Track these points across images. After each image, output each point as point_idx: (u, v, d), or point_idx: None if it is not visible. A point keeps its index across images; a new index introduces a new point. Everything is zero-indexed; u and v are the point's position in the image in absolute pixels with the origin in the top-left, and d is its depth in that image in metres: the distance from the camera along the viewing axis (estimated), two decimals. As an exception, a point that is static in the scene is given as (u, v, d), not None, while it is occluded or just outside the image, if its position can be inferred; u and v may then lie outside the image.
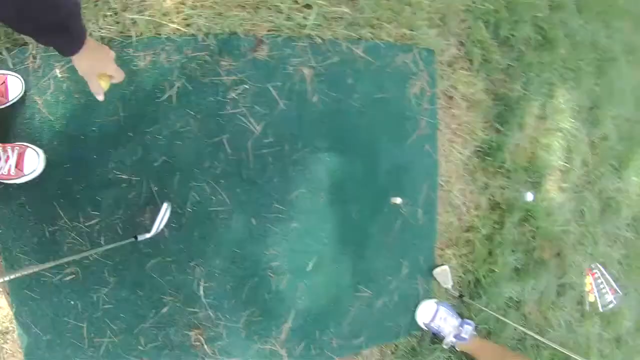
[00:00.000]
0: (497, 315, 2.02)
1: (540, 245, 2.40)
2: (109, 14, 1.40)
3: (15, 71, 1.36)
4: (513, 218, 2.14)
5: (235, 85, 1.53)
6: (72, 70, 1.20)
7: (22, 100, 1.36)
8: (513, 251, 2.20)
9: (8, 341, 1.46)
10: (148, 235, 1.36)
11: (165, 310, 1.48)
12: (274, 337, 1.64)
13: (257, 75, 1.56)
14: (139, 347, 1.47)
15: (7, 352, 1.47)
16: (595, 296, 2.82)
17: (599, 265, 2.81)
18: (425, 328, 1.93)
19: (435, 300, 1.94)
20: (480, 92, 1.99)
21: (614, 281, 2.85)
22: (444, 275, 1.95)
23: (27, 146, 1.36)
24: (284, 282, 1.62)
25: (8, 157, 1.32)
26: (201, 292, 1.51)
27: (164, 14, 1.45)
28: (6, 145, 1.34)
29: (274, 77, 1.58)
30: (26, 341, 1.43)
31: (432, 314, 1.87)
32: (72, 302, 1.43)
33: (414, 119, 1.79)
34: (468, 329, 1.85)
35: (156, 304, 1.48)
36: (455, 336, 1.85)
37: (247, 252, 1.56)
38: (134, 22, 1.42)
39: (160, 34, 1.45)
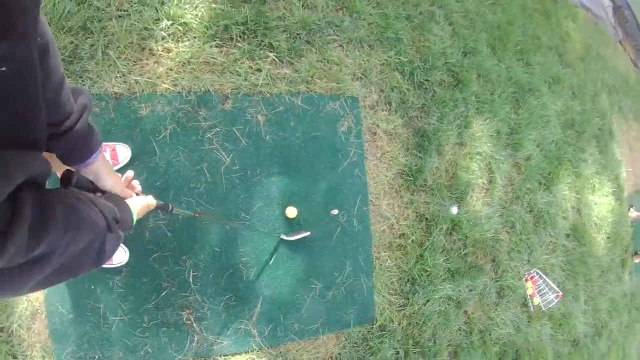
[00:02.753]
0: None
1: (473, 252, 3.42)
2: (118, 75, 2.43)
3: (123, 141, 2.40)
4: (440, 227, 3.16)
5: (210, 129, 2.58)
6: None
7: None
8: (445, 255, 3.20)
9: (36, 321, 2.24)
10: (287, 238, 2.59)
11: (163, 294, 2.43)
12: (247, 319, 2.58)
13: (225, 121, 2.61)
14: (143, 325, 2.39)
15: (34, 331, 2.23)
16: (538, 299, 3.85)
17: (538, 271, 3.85)
18: None
19: None
20: (399, 127, 3.08)
21: (554, 283, 3.89)
22: None
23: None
24: (252, 273, 2.60)
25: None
26: (190, 279, 2.48)
27: (158, 77, 2.50)
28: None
29: (237, 122, 2.64)
30: (53, 320, 2.23)
31: None
32: (92, 287, 2.36)
33: (344, 150, 2.86)
34: None
35: (157, 289, 2.42)
36: None
37: (223, 250, 2.55)
38: (137, 82, 2.46)
39: (156, 91, 2.49)
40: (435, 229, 3.14)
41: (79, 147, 1.12)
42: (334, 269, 2.82)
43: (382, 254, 2.97)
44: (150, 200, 1.42)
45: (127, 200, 1.29)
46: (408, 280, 3.06)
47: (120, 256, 2.34)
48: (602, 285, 4.71)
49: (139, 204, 1.34)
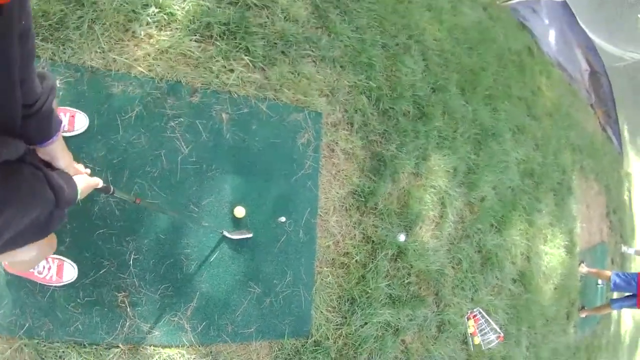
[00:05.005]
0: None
1: (417, 282, 3.54)
2: (98, 50, 2.56)
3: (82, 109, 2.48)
4: (385, 252, 3.30)
5: (175, 118, 2.72)
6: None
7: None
8: (388, 281, 3.31)
9: None
10: (229, 236, 2.71)
11: (102, 272, 2.49)
12: (182, 312, 2.65)
13: (190, 113, 2.76)
14: (78, 300, 2.43)
15: None
16: (479, 339, 3.96)
17: (481, 310, 3.98)
18: None
19: None
20: (358, 148, 3.24)
21: (496, 324, 4.01)
22: None
23: (64, 260, 2.35)
24: (193, 267, 2.70)
25: (50, 267, 2.28)
26: (131, 262, 2.55)
27: (135, 59, 2.64)
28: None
29: (201, 116, 2.79)
30: None
31: None
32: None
33: (300, 162, 3.02)
34: None
35: (96, 266, 2.48)
36: None
37: (167, 238, 2.64)
38: (115, 60, 2.59)
39: (130, 73, 2.63)
40: (381, 253, 3.27)
41: (45, 128, 1.26)
42: (274, 276, 2.93)
43: (325, 269, 3.08)
44: (95, 181, 1.58)
45: (74, 178, 1.42)
46: (348, 299, 3.16)
47: (70, 273, 2.37)
48: (545, 334, 4.87)
49: (85, 183, 1.48)
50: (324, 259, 3.09)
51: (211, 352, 2.68)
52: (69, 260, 2.39)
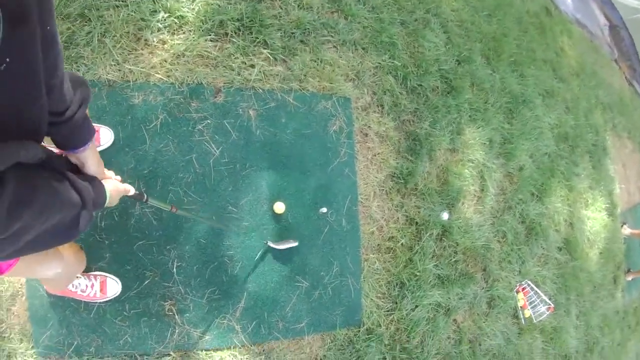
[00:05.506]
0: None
1: (464, 259, 3.44)
2: (113, 63, 2.49)
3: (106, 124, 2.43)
4: (430, 232, 3.19)
5: (201, 120, 2.63)
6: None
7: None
8: (435, 261, 3.21)
9: (16, 303, 2.22)
10: (274, 246, 2.61)
11: (146, 283, 2.44)
12: (231, 314, 2.59)
13: (216, 114, 2.67)
14: (124, 313, 2.39)
15: (14, 313, 2.21)
16: (529, 311, 3.86)
17: (529, 283, 3.87)
18: None
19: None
20: (391, 130, 3.13)
21: (545, 296, 3.90)
22: None
23: (107, 276, 2.34)
24: (237, 268, 2.62)
25: (93, 284, 2.28)
26: (174, 270, 2.49)
27: (152, 67, 2.56)
28: (89, 274, 2.29)
29: (229, 116, 2.70)
30: (33, 303, 2.22)
31: None
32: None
33: (335, 150, 2.92)
34: None
35: (140, 277, 2.43)
36: None
37: (208, 242, 2.57)
38: (131, 71, 2.52)
39: (149, 81, 2.55)
40: (426, 234, 3.17)
41: (76, 136, 1.23)
42: (321, 269, 2.85)
43: (371, 255, 2.99)
44: (126, 187, 1.53)
45: (104, 182, 1.37)
46: (397, 284, 3.07)
47: (113, 288, 2.35)
48: (593, 300, 4.73)
49: (114, 187, 1.43)
50: (369, 245, 3.01)
51: (263, 350, 2.62)
52: (111, 276, 2.35)
